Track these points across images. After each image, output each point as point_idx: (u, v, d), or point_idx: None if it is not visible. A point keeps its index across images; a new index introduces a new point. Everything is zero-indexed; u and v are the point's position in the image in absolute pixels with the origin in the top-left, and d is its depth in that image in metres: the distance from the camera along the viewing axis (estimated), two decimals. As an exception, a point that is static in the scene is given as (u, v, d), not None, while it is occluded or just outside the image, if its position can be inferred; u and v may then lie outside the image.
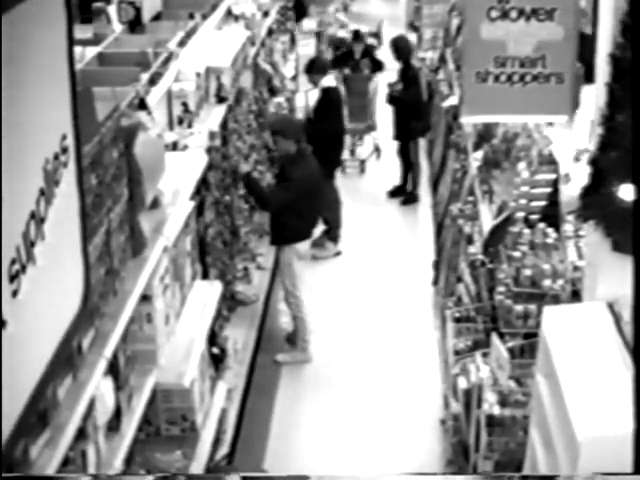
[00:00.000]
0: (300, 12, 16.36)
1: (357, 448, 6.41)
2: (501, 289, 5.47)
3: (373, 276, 8.79)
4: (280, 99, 9.86)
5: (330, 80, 9.36)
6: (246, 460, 6.16)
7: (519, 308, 5.32)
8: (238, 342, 7.12)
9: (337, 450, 6.40)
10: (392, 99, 10.41)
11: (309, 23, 15.01)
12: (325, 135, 8.76)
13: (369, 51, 12.16)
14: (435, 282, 8.18)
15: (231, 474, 5.17)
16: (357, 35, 12.37)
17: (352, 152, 11.48)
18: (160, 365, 4.43)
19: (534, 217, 5.81)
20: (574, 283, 5.25)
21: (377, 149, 11.58)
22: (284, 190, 7.09)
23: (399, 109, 10.37)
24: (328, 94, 9.22)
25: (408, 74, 10.30)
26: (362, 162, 11.41)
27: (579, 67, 5.21)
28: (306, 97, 10.54)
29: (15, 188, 2.28)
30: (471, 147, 7.65)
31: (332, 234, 9.29)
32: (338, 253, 9.28)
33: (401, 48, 10.43)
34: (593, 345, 3.95)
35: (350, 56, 11.97)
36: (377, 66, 11.86)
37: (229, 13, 8.46)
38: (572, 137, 5.94)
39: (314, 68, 9.36)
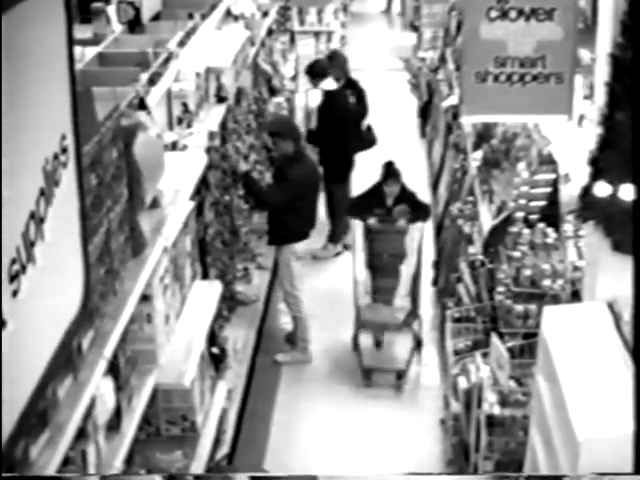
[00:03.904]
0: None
1: (357, 448, 6.41)
2: (501, 289, 5.48)
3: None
4: (280, 99, 9.86)
5: (330, 83, 9.29)
6: (246, 460, 6.16)
7: (519, 308, 5.32)
8: (238, 342, 7.12)
9: (337, 450, 6.40)
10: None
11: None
12: (333, 142, 8.69)
13: (407, 193, 7.53)
14: (435, 282, 8.18)
15: (239, 474, 5.17)
16: (389, 168, 7.54)
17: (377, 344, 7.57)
18: (160, 365, 4.43)
19: (534, 217, 5.81)
20: (574, 283, 5.26)
21: (419, 344, 7.45)
22: (282, 190, 7.09)
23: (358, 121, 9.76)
24: (331, 97, 9.19)
25: (355, 87, 9.92)
26: (399, 375, 7.16)
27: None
28: (306, 97, 10.52)
29: (15, 188, 2.28)
30: (471, 147, 7.65)
31: (332, 235, 9.29)
32: (338, 253, 9.27)
33: (341, 63, 9.98)
34: (593, 345, 3.96)
35: (380, 200, 7.50)
36: (421, 213, 7.51)
37: (228, 13, 8.47)
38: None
39: (312, 72, 9.34)
